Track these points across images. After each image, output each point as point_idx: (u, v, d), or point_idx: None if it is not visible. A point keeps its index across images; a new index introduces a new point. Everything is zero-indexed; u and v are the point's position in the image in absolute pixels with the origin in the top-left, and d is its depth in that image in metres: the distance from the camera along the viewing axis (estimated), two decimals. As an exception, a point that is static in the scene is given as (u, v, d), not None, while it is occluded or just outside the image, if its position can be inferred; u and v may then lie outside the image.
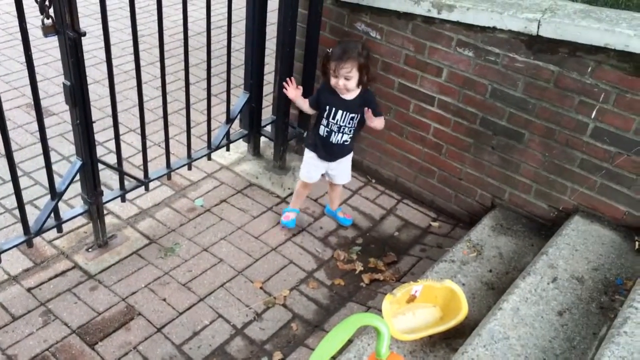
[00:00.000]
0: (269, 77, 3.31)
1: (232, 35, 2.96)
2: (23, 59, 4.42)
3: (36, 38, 4.63)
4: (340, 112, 2.65)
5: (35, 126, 3.51)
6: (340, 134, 2.70)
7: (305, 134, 3.46)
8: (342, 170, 2.88)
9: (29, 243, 2.46)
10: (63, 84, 2.29)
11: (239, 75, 3.93)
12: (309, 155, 2.83)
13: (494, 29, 2.60)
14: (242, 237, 2.90)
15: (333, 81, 2.56)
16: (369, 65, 2.58)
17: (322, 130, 2.72)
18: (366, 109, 2.62)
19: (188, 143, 2.99)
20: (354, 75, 2.51)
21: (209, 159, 3.20)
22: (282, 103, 3.21)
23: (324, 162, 2.82)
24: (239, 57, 3.63)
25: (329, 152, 2.77)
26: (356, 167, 3.44)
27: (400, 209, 3.22)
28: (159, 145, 3.50)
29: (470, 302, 2.28)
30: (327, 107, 2.66)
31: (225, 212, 3.06)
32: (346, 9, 3.05)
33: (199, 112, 3.85)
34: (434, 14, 2.74)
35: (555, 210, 2.77)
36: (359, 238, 3.00)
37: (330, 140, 2.71)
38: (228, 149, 3.33)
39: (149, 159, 2.90)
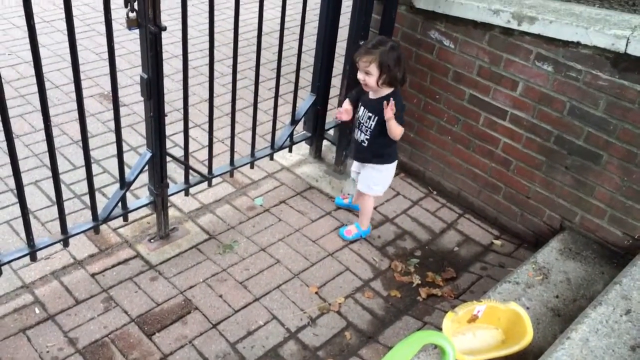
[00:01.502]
0: (335, 81, 3.29)
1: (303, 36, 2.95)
2: (99, 49, 4.63)
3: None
4: (362, 108, 2.63)
5: (106, 115, 3.64)
6: (360, 133, 2.66)
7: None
8: (363, 175, 2.79)
9: (96, 230, 2.52)
10: (140, 76, 2.34)
11: (304, 77, 3.94)
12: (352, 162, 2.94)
13: (578, 44, 2.49)
14: (299, 240, 2.89)
15: (358, 74, 2.52)
16: (393, 67, 2.42)
17: (355, 125, 2.74)
18: (385, 102, 2.45)
19: (252, 142, 3.01)
20: (373, 71, 2.43)
21: (271, 159, 3.21)
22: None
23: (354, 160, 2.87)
24: (305, 59, 3.63)
25: (354, 148, 2.78)
26: (418, 177, 3.38)
27: (462, 223, 3.13)
28: (223, 142, 3.54)
29: (534, 327, 2.18)
30: (360, 104, 2.67)
31: (284, 213, 3.06)
32: (420, 16, 3.00)
33: (263, 112, 3.87)
34: (513, 25, 2.65)
35: (630, 239, 2.62)
36: (417, 250, 2.93)
37: (355, 136, 2.72)
38: (290, 150, 3.33)
39: (213, 154, 2.93)
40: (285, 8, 2.72)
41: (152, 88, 2.33)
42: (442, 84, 3.05)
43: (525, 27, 2.62)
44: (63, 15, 2.01)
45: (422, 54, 3.07)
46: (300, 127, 3.30)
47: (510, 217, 3.04)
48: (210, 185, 2.94)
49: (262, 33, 2.72)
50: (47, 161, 3.20)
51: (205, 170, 2.89)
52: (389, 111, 2.44)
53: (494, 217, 3.11)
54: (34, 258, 2.36)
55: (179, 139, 3.12)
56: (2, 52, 4.24)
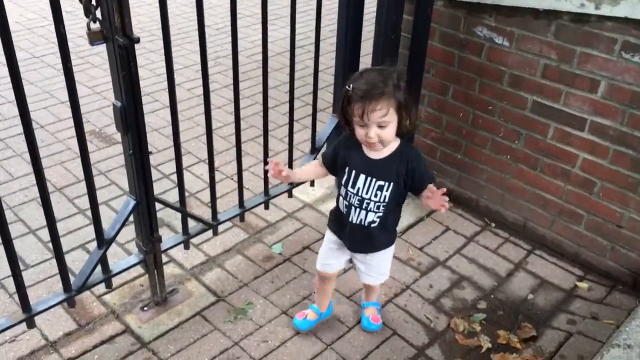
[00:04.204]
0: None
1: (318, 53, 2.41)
2: (92, 83, 4.14)
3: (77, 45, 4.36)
4: (362, 177, 1.73)
5: (96, 156, 3.13)
6: (362, 212, 1.77)
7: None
8: (372, 266, 1.95)
9: (70, 302, 1.97)
10: (113, 105, 1.81)
11: (323, 98, 3.41)
12: (328, 235, 1.98)
13: (682, 24, 1.89)
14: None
15: (360, 132, 1.65)
16: (410, 102, 1.65)
17: (341, 204, 1.83)
18: (429, 187, 1.68)
19: (265, 177, 2.45)
20: (392, 120, 1.61)
21: (290, 195, 2.64)
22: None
23: (346, 250, 1.95)
24: (323, 78, 3.09)
25: (349, 236, 1.86)
26: (469, 207, 2.77)
27: (533, 262, 2.50)
28: (232, 179, 2.99)
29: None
30: (347, 169, 1.77)
31: (308, 262, 2.47)
32: (462, 11, 2.43)
33: (278, 140, 3.32)
34: (589, 9, 2.06)
35: None
36: (480, 301, 2.31)
37: (350, 219, 1.80)
38: (312, 184, 2.79)
39: (220, 194, 2.40)
40: (294, 23, 2.19)
41: (129, 118, 1.80)
42: (496, 92, 2.46)
43: (605, 10, 2.03)
44: (54, 50, 1.53)
45: (468, 57, 2.49)
46: (322, 155, 2.73)
47: (596, 252, 2.39)
48: (215, 233, 2.38)
49: (274, 53, 2.21)
50: (24, 214, 2.70)
51: (209, 215, 2.33)
52: (434, 200, 1.64)
53: (574, 252, 2.47)
54: (-14, 347, 1.81)
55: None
56: (-16, 92, 3.80)
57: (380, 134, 1.62)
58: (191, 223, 2.26)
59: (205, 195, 2.85)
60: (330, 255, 1.97)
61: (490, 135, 2.56)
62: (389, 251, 1.94)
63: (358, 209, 1.77)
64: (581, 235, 2.42)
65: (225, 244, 2.57)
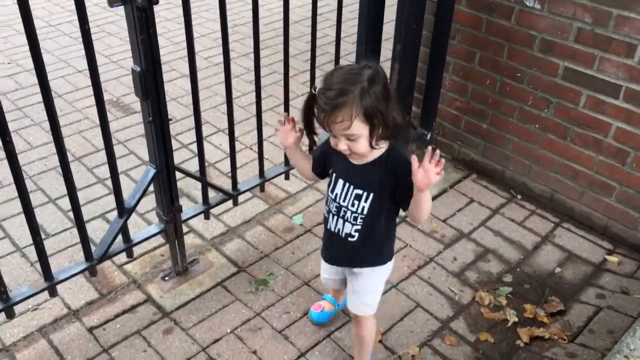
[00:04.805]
0: (385, 65, 2.65)
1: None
2: (108, 52, 4.09)
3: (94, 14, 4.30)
4: (340, 182, 1.51)
5: (115, 125, 3.10)
6: (340, 220, 1.54)
7: (429, 136, 2.77)
8: (354, 288, 1.66)
9: (91, 271, 1.95)
10: (132, 69, 1.76)
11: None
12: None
13: None
14: (352, 268, 2.25)
15: (332, 142, 1.42)
16: (385, 108, 1.34)
17: (324, 208, 1.63)
18: (413, 158, 1.33)
19: (286, 146, 2.39)
20: (360, 132, 1.34)
21: (311, 166, 2.58)
22: (403, 94, 2.55)
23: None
24: (343, 46, 3.00)
25: (328, 245, 1.66)
26: (495, 178, 2.70)
27: (560, 235, 2.43)
28: (251, 149, 2.94)
29: None
30: (331, 171, 1.57)
31: (330, 233, 2.43)
32: (492, -28, 2.33)
33: (297, 110, 3.25)
34: (629, -33, 1.95)
35: None
36: (506, 274, 2.25)
37: (329, 226, 1.59)
38: (334, 154, 2.71)
39: (239, 164, 2.35)
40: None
41: (148, 84, 1.75)
42: (525, 58, 2.36)
43: (647, -32, 1.92)
44: (70, 18, 1.50)
45: (496, 21, 2.39)
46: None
47: (627, 225, 2.32)
48: (236, 203, 2.34)
49: (292, 21, 2.11)
50: (43, 183, 2.68)
51: (229, 185, 2.29)
52: (424, 173, 1.31)
53: (604, 225, 2.39)
54: (10, 315, 1.80)
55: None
56: (1, 62, 3.77)
57: (352, 146, 1.37)
58: (211, 193, 2.23)
59: (224, 166, 2.82)
60: (324, 269, 1.77)
61: (518, 104, 2.47)
62: (376, 274, 1.62)
63: (336, 217, 1.54)
64: (612, 207, 2.34)
65: (245, 215, 2.53)
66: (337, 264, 1.69)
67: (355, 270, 1.62)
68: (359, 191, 1.47)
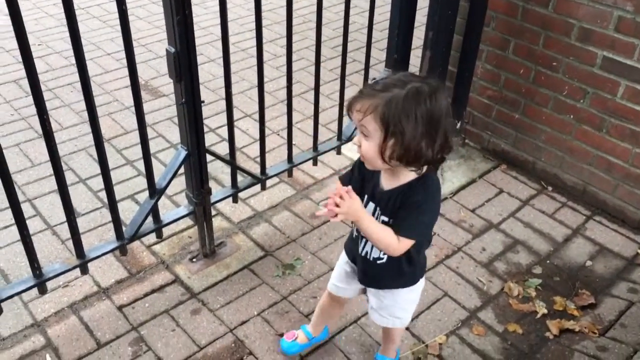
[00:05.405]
0: (416, 53, 2.62)
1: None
2: (137, 35, 4.12)
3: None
4: (371, 205, 1.41)
5: (145, 108, 3.10)
6: (368, 244, 1.48)
7: (459, 125, 2.73)
8: (384, 305, 1.60)
9: (122, 251, 1.97)
10: (166, 51, 1.76)
11: (373, 56, 3.31)
12: (343, 254, 1.68)
13: None
14: (379, 256, 2.24)
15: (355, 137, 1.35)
16: (413, 128, 1.21)
17: (353, 229, 1.57)
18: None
19: (315, 133, 2.39)
20: (372, 131, 1.24)
21: (338, 152, 2.58)
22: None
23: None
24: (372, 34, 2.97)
25: (359, 266, 1.58)
26: (525, 169, 2.66)
27: (592, 228, 2.39)
28: (279, 135, 2.94)
29: None
30: (363, 191, 1.44)
31: (357, 220, 2.42)
32: (530, -42, 2.27)
33: (325, 97, 3.24)
34: (675, -47, 1.89)
35: None
36: (536, 266, 2.22)
37: (358, 248, 1.52)
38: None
39: (266, 149, 2.33)
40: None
41: (182, 65, 1.75)
42: (562, 46, 2.31)
43: (694, -45, 1.86)
44: (99, 1, 1.47)
45: (532, 9, 2.34)
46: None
47: (662, 220, 2.28)
48: (264, 188, 2.34)
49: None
50: (74, 164, 2.72)
51: (257, 170, 2.30)
52: (336, 204, 1.26)
53: (638, 219, 2.35)
54: (42, 290, 1.83)
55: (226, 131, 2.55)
56: (32, 43, 3.80)
57: (362, 143, 1.28)
58: (239, 177, 2.23)
59: (252, 151, 2.82)
60: (343, 279, 1.67)
61: (553, 94, 2.42)
62: (409, 292, 1.57)
63: (364, 240, 1.48)
64: (647, 201, 2.29)
65: (272, 200, 2.54)
66: (367, 285, 1.60)
67: (383, 292, 1.57)
68: (385, 218, 1.38)
